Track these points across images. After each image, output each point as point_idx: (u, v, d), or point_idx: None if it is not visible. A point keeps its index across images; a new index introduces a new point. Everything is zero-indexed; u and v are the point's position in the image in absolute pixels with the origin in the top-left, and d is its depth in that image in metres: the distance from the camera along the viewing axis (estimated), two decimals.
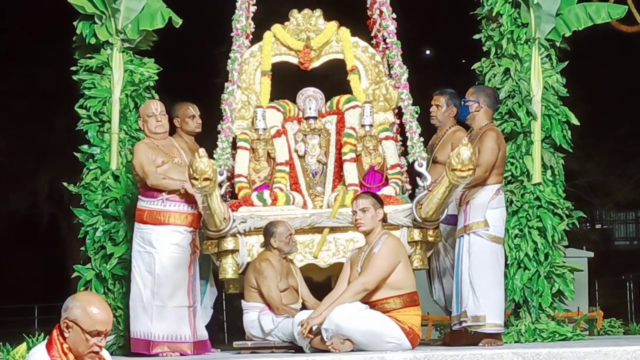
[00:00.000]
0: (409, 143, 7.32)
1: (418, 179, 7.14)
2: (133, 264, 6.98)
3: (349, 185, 7.27)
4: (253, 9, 7.75)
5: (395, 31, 7.58)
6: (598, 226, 25.71)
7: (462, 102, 7.18)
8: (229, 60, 7.60)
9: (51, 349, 3.95)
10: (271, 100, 7.71)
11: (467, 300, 6.83)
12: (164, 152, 7.03)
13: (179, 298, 6.91)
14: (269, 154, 7.42)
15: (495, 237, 6.92)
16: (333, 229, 7.08)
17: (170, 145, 7.12)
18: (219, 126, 7.42)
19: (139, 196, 7.06)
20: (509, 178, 7.66)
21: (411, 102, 7.43)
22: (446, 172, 6.44)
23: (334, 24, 7.79)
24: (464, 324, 6.89)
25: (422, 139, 7.32)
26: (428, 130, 7.61)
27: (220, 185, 7.13)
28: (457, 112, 7.47)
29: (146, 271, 6.90)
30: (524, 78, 7.69)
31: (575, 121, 7.75)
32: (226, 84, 7.55)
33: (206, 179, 6.21)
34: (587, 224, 22.74)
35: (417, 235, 7.03)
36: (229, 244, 7.06)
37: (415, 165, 7.17)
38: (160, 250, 6.89)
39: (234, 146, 7.47)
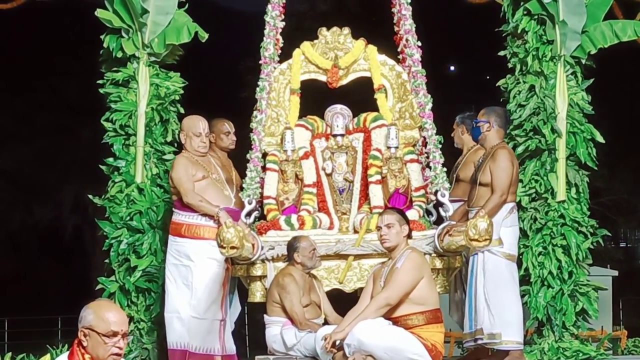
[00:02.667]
0: (432, 173, 7.36)
1: (440, 209, 7.28)
2: (167, 275, 6.99)
3: (374, 207, 7.35)
4: (282, 24, 7.75)
5: (420, 59, 7.57)
6: (623, 244, 25.53)
7: (474, 124, 7.21)
8: (258, 89, 7.57)
9: None
10: (300, 117, 7.74)
11: (483, 318, 6.82)
12: (204, 167, 7.05)
13: (213, 311, 6.96)
14: (296, 175, 7.47)
15: (510, 254, 6.94)
16: (357, 256, 7.20)
17: (208, 161, 7.14)
18: (248, 155, 7.44)
19: (176, 210, 7.05)
20: (533, 195, 7.64)
21: (435, 131, 7.45)
22: (464, 237, 6.62)
23: (361, 42, 7.81)
24: (479, 342, 6.88)
25: (444, 169, 7.37)
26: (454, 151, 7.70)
27: (249, 214, 7.28)
28: (468, 131, 7.53)
29: (183, 284, 6.92)
30: (549, 95, 7.67)
31: (600, 139, 7.73)
32: (255, 113, 7.53)
33: (233, 247, 6.63)
34: (612, 243, 22.58)
35: (438, 263, 7.11)
36: (257, 270, 7.19)
37: (438, 195, 7.27)
38: (199, 264, 6.91)
39: (263, 168, 7.51)
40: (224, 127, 7.47)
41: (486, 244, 6.61)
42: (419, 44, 7.62)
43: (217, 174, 7.11)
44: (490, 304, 6.82)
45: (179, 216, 7.02)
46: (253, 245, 7.01)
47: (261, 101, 7.56)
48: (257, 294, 7.23)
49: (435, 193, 7.29)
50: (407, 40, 7.66)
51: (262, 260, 7.15)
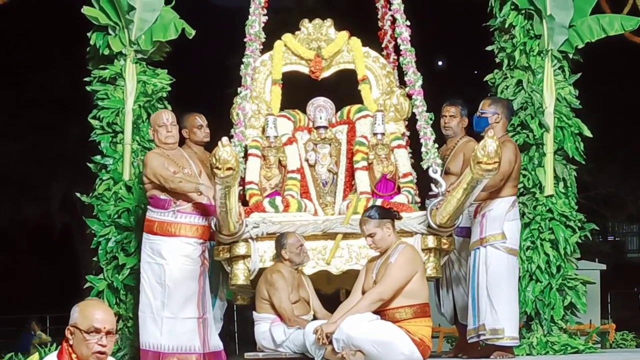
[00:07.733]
0: (423, 149, 7.18)
1: (432, 185, 7.04)
2: (142, 274, 6.96)
3: (361, 193, 7.21)
4: (264, 18, 7.73)
5: (409, 38, 7.51)
6: (611, 238, 25.60)
7: (480, 114, 7.10)
8: (242, 65, 7.55)
9: (62, 359, 3.98)
10: (281, 109, 7.70)
11: (485, 313, 6.80)
12: (175, 162, 7.01)
13: (189, 310, 6.90)
14: (280, 161, 7.41)
15: (512, 249, 6.91)
16: (346, 235, 6.98)
17: (180, 155, 7.10)
18: (232, 131, 7.37)
19: (149, 207, 7.03)
20: (522, 190, 7.65)
21: (425, 108, 7.35)
22: (470, 166, 6.19)
23: (345, 33, 7.79)
24: (482, 337, 6.85)
25: (436, 145, 7.24)
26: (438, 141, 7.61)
27: None
28: (468, 122, 7.45)
29: (156, 282, 6.88)
30: (536, 90, 7.68)
31: (588, 133, 7.75)
32: (239, 89, 7.50)
33: (229, 169, 6.01)
34: (600, 236, 22.64)
35: (431, 242, 6.89)
36: (240, 249, 6.98)
37: (430, 171, 7.05)
38: (171, 261, 6.87)
39: (245, 154, 7.45)
40: (196, 121, 7.43)
41: (495, 167, 6.07)
42: (408, 23, 7.56)
43: (190, 167, 7.05)
44: (493, 299, 6.79)
45: (152, 213, 6.98)
46: (240, 215, 6.79)
47: (246, 77, 7.51)
48: (240, 276, 6.97)
49: (427, 169, 7.10)
50: (394, 19, 7.62)
51: (246, 240, 6.97)
